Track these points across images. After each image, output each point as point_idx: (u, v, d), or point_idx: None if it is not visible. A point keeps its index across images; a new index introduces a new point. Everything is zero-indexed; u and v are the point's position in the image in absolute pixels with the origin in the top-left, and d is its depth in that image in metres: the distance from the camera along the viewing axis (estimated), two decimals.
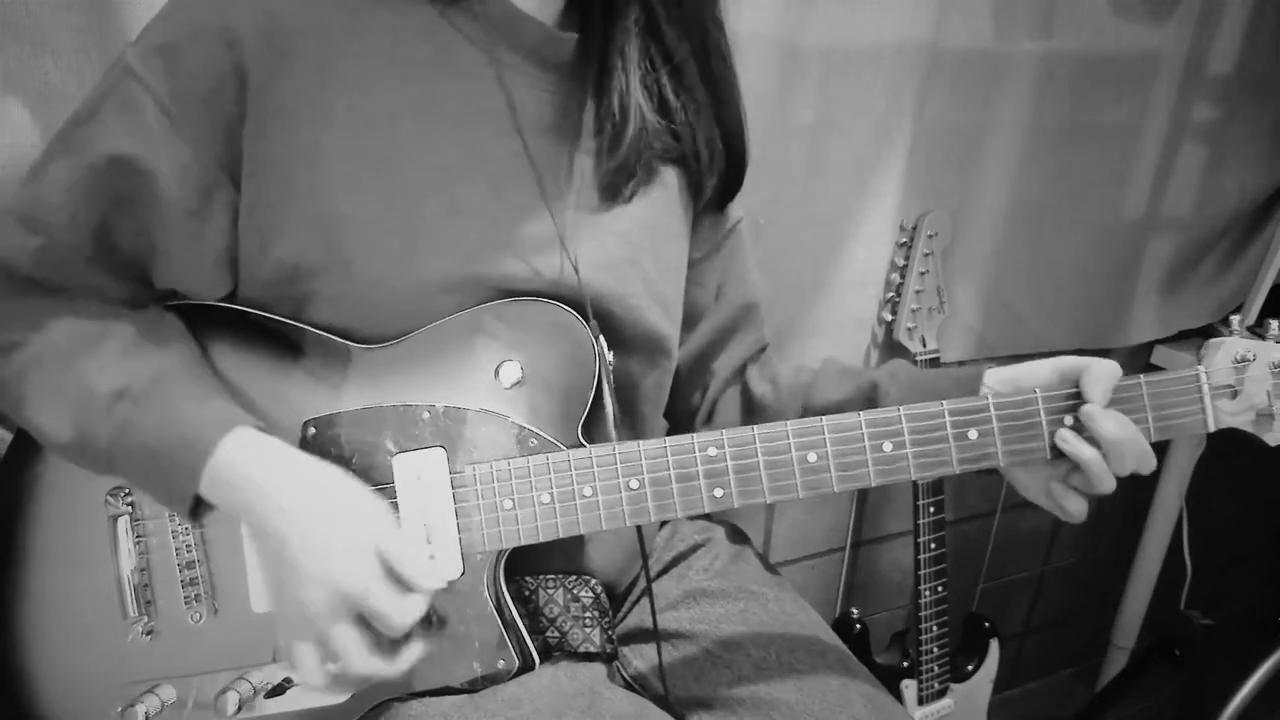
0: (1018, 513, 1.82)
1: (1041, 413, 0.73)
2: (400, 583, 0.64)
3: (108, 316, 0.71)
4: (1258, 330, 0.76)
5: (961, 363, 1.58)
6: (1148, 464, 0.73)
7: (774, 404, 0.91)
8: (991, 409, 0.72)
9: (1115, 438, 0.70)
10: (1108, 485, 0.72)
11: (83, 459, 0.68)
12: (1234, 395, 0.75)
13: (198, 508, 0.67)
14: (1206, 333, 1.75)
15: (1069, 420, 0.73)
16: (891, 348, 1.43)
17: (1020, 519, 1.84)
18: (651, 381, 0.85)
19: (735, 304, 0.93)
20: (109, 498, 0.73)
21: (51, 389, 0.67)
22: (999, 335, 1.57)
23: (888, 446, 0.72)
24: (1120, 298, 1.65)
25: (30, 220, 0.68)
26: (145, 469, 0.66)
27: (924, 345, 1.39)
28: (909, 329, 1.38)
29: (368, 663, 0.64)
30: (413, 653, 0.66)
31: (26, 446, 0.73)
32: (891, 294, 1.39)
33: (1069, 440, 0.72)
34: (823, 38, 1.19)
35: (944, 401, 0.72)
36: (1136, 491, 0.73)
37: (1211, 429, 0.75)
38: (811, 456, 0.72)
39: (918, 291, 1.36)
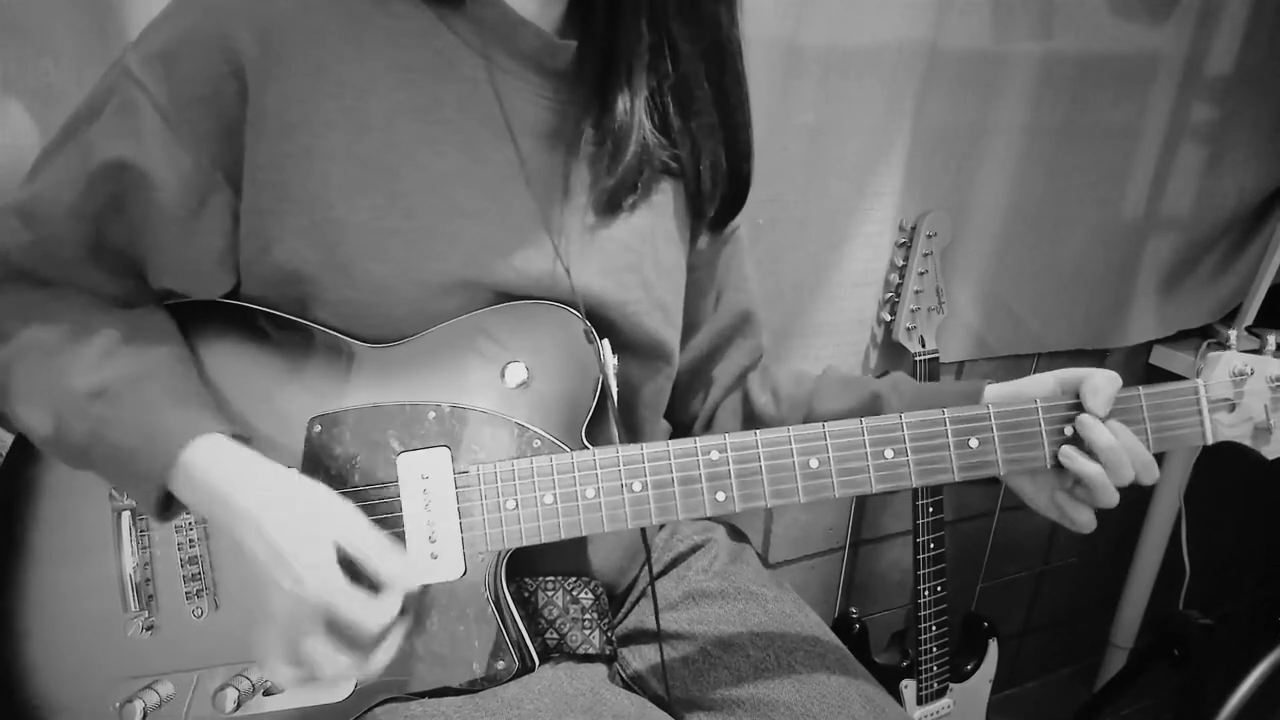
0: (1017, 513, 1.82)
1: (1041, 422, 0.73)
2: (367, 581, 0.63)
3: (94, 314, 0.71)
4: (1258, 333, 0.77)
5: (960, 364, 1.59)
6: (1150, 474, 0.73)
7: (775, 415, 0.91)
8: (992, 417, 0.73)
9: (1108, 446, 0.71)
10: (1110, 498, 0.73)
11: (61, 453, 0.69)
12: (1232, 408, 0.76)
13: (167, 507, 0.67)
14: (1205, 333, 1.75)
15: (1069, 430, 0.73)
16: (891, 347, 1.43)
17: (1019, 519, 1.84)
18: (652, 387, 0.85)
19: (734, 310, 0.93)
20: (113, 493, 0.73)
21: (34, 384, 0.68)
22: (998, 335, 1.57)
23: (889, 453, 0.72)
24: (1119, 298, 1.65)
25: (28, 216, 0.69)
26: (116, 468, 0.67)
27: (923, 345, 1.39)
28: (908, 329, 1.38)
29: (339, 667, 0.62)
30: (387, 652, 0.65)
31: (30, 445, 0.73)
32: (891, 294, 1.40)
33: (1072, 457, 0.72)
34: (822, 38, 1.19)
35: (944, 409, 0.73)
36: (1135, 491, 0.74)
37: (1209, 442, 0.76)
38: (813, 462, 0.72)
39: (917, 291, 1.37)
